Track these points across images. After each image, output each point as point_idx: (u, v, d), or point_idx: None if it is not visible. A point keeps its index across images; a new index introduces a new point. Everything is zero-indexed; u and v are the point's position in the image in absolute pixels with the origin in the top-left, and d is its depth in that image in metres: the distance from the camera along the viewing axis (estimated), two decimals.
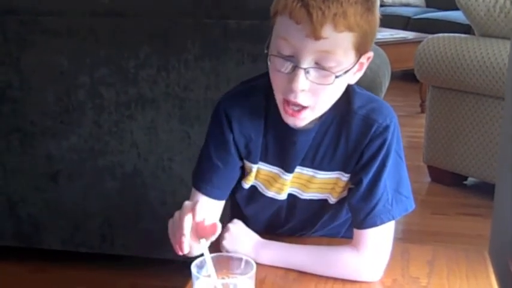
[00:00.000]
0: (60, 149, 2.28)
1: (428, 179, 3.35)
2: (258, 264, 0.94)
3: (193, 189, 1.24)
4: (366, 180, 1.17)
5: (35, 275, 2.38)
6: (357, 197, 1.18)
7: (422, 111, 4.45)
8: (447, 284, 1.19)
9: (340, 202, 1.27)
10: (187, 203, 1.01)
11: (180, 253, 0.98)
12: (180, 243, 0.96)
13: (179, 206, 2.48)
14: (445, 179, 3.28)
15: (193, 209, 0.98)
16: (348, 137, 1.18)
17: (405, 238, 2.60)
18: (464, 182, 3.31)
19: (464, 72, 3.00)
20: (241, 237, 1.22)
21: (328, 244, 1.28)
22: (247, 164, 1.24)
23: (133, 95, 2.18)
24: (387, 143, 1.16)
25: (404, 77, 5.09)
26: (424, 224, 2.83)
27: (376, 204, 1.17)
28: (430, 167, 3.35)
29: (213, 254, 0.96)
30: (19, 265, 2.42)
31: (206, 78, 2.11)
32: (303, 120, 1.13)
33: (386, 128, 1.16)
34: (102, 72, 2.18)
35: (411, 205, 1.21)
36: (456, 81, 3.06)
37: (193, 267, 0.93)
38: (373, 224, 1.18)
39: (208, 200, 1.21)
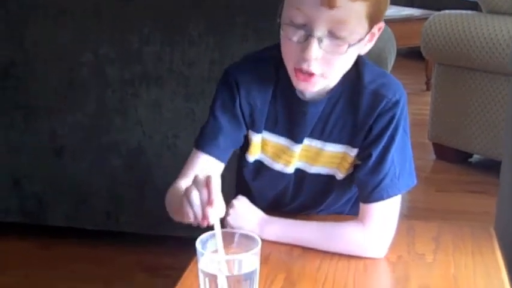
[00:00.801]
0: (65, 125, 2.28)
1: (433, 157, 3.34)
2: (262, 240, 0.94)
3: (194, 151, 1.21)
4: (375, 154, 1.17)
5: (39, 252, 2.39)
6: (365, 170, 1.19)
7: (428, 89, 4.43)
8: (453, 261, 1.19)
9: (347, 180, 1.26)
10: (200, 176, 0.99)
11: (204, 224, 0.96)
12: (206, 214, 0.94)
13: None
14: (450, 156, 3.27)
15: (208, 181, 0.96)
16: (357, 110, 1.18)
17: (410, 216, 2.60)
18: (469, 160, 3.30)
19: (471, 49, 2.97)
20: (245, 214, 1.22)
21: (334, 221, 1.28)
22: (251, 134, 1.23)
23: (137, 72, 2.18)
24: (396, 118, 1.17)
25: (410, 55, 5.06)
26: (428, 202, 2.82)
27: (384, 178, 1.18)
28: (435, 144, 3.34)
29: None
30: (23, 242, 2.43)
31: (210, 54, 2.10)
32: (314, 85, 1.12)
33: (396, 103, 1.17)
34: (106, 49, 2.17)
35: (414, 181, 1.22)
36: (463, 58, 3.04)
37: (198, 244, 0.93)
38: (380, 198, 1.18)
39: (209, 160, 1.20)
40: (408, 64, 5.08)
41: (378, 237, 1.19)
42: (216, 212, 0.95)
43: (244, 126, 1.23)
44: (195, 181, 0.99)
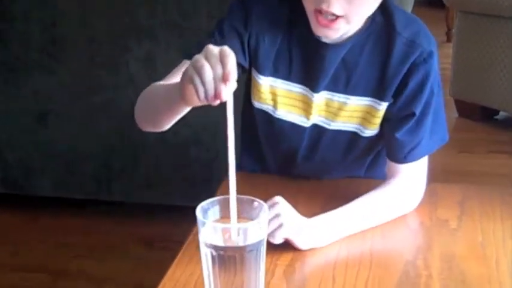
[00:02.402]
0: (49, 86, 2.26)
1: (455, 114, 3.33)
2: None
3: (183, 62, 1.18)
4: (417, 112, 1.18)
5: (26, 224, 2.39)
6: (405, 130, 1.19)
7: (449, 40, 4.40)
8: (480, 227, 1.18)
9: (371, 138, 1.25)
10: (212, 46, 0.94)
11: (216, 102, 0.92)
12: (219, 91, 0.90)
13: (182, 147, 2.47)
14: (474, 114, 3.26)
15: (223, 54, 0.90)
16: (388, 60, 1.17)
17: (430, 179, 2.60)
18: (495, 117, 3.29)
19: None
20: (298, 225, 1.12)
21: (347, 185, 1.27)
22: (255, 74, 1.22)
23: (128, 24, 2.15)
24: (433, 70, 1.17)
25: (428, 3, 5.01)
26: (450, 164, 2.81)
27: (422, 137, 1.19)
28: (457, 101, 3.32)
29: (219, 197, 0.94)
30: (8, 214, 2.43)
31: (208, 4, 2.07)
32: (336, 31, 1.12)
33: (431, 54, 1.17)
34: None
35: (446, 137, 1.24)
36: (488, 5, 2.99)
37: (199, 212, 0.91)
38: (416, 158, 1.21)
39: None
40: (427, 13, 5.00)
41: (416, 194, 1.22)
42: (230, 88, 0.90)
43: (246, 58, 1.21)
44: (208, 53, 0.91)
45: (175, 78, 1.14)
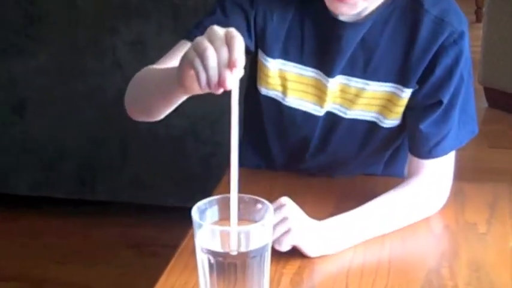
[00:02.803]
0: (26, 71, 2.26)
1: (485, 104, 3.33)
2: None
3: (182, 42, 1.18)
4: (445, 101, 1.17)
5: (3, 226, 2.40)
6: (430, 120, 1.19)
7: (478, 20, 4.40)
8: (511, 232, 1.18)
9: (391, 129, 1.25)
10: (216, 27, 0.93)
11: (219, 91, 0.92)
12: (224, 78, 0.89)
13: (176, 139, 2.47)
14: (506, 104, 3.26)
15: (230, 36, 0.89)
16: (414, 40, 1.16)
17: (457, 177, 2.59)
18: None
19: None
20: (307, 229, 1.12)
21: (363, 184, 1.27)
22: (262, 57, 1.22)
23: (116, 2, 2.15)
24: (464, 52, 1.17)
25: None
26: (480, 159, 2.82)
27: (450, 129, 1.19)
28: (487, 89, 3.32)
29: (218, 196, 0.94)
30: None
31: None
32: (353, 6, 1.11)
33: (462, 35, 1.16)
34: None
35: (476, 129, 1.23)
36: None
37: (195, 213, 0.91)
38: (442, 153, 1.21)
39: None
40: None
41: (441, 193, 1.22)
42: (236, 75, 0.89)
43: (252, 38, 1.20)
44: (212, 34, 0.90)
45: (172, 61, 1.14)
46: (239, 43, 0.88)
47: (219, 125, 2.17)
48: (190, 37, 1.11)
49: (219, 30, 0.90)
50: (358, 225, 1.14)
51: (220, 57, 0.88)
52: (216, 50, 0.89)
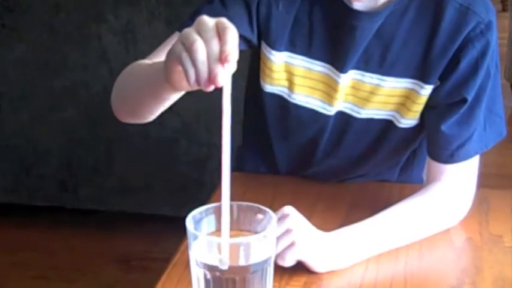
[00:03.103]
0: (3, 63, 2.27)
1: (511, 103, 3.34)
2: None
3: (176, 34, 1.18)
4: (469, 98, 1.17)
5: None
6: (453, 120, 1.19)
7: (505, 9, 4.41)
8: None
9: (408, 130, 1.25)
10: (206, 17, 0.93)
11: (209, 88, 0.92)
12: (215, 73, 0.89)
13: (168, 141, 2.48)
14: None
15: (222, 27, 0.88)
16: (435, 31, 1.16)
17: (481, 183, 2.60)
18: None
19: None
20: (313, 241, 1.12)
21: (376, 191, 1.27)
22: (266, 50, 1.22)
23: None
24: (491, 45, 1.16)
25: None
26: (506, 165, 2.82)
27: (474, 130, 1.19)
28: None
29: (215, 204, 0.95)
30: None
31: None
32: None
33: (489, 25, 1.16)
34: None
35: (504, 131, 1.23)
36: None
37: (189, 223, 0.91)
38: (466, 157, 1.20)
39: None
40: None
41: (462, 202, 1.22)
42: (228, 70, 0.89)
43: (254, 29, 1.20)
44: (200, 25, 0.90)
45: (164, 56, 1.14)
46: (232, 35, 0.88)
47: (216, 125, 2.16)
48: (182, 27, 1.11)
49: (208, 20, 0.90)
50: (371, 237, 1.14)
51: (211, 50, 0.88)
52: (206, 42, 0.88)
